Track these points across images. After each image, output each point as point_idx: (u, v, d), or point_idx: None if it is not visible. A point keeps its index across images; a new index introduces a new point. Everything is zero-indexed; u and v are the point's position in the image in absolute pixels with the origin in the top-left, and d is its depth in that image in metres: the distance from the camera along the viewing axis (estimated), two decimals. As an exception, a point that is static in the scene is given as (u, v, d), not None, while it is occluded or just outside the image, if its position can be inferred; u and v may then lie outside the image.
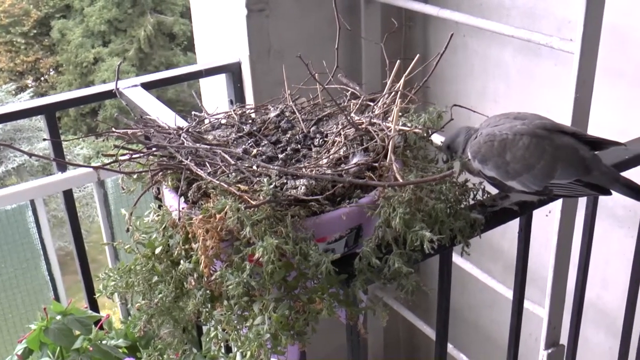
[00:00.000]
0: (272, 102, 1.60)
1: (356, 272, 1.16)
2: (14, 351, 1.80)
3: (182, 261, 1.25)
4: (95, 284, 2.17)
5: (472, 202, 1.32)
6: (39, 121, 10.92)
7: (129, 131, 1.40)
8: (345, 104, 1.55)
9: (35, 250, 2.20)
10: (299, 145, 1.42)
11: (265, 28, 2.23)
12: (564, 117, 1.67)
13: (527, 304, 1.99)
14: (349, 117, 1.40)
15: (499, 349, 2.35)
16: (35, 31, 16.27)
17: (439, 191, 1.23)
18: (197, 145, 1.35)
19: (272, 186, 1.19)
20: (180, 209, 1.24)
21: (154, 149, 1.38)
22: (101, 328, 1.87)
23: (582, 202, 1.71)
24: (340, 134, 1.40)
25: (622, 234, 2.13)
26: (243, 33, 2.21)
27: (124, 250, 1.38)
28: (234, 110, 1.59)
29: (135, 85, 2.07)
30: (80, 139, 13.10)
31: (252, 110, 1.60)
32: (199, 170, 1.26)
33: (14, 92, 14.05)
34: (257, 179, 1.24)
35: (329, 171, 1.29)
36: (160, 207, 1.35)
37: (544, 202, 1.39)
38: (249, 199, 1.17)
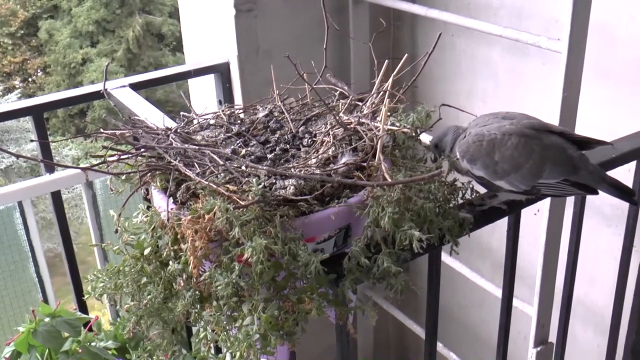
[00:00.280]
0: (261, 102, 1.60)
1: (345, 271, 1.16)
2: (2, 354, 1.79)
3: (171, 262, 1.25)
4: (84, 285, 2.15)
5: (460, 201, 1.32)
6: (27, 122, 10.85)
7: (118, 132, 1.40)
8: (334, 103, 1.55)
9: (23, 252, 2.19)
10: (288, 145, 1.42)
11: (253, 28, 2.23)
12: (551, 116, 1.68)
13: (516, 302, 2.00)
14: (337, 117, 1.40)
15: (489, 347, 2.36)
16: (22, 32, 16.17)
17: (427, 190, 1.24)
18: (186, 145, 1.35)
19: (261, 186, 1.19)
20: (169, 210, 1.23)
21: (142, 149, 1.37)
22: (90, 330, 1.86)
23: (570, 200, 1.72)
24: (329, 134, 1.40)
25: (609, 232, 2.14)
26: (231, 33, 2.21)
27: (113, 252, 1.37)
28: (222, 111, 1.58)
29: (124, 86, 2.06)
30: (69, 140, 13.04)
31: (241, 111, 1.60)
32: (187, 170, 1.26)
33: (1, 93, 13.98)
34: (246, 179, 1.23)
35: (317, 171, 1.29)
36: (149, 208, 1.34)
37: (532, 201, 1.40)
38: (237, 200, 1.16)
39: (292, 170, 1.28)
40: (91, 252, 2.26)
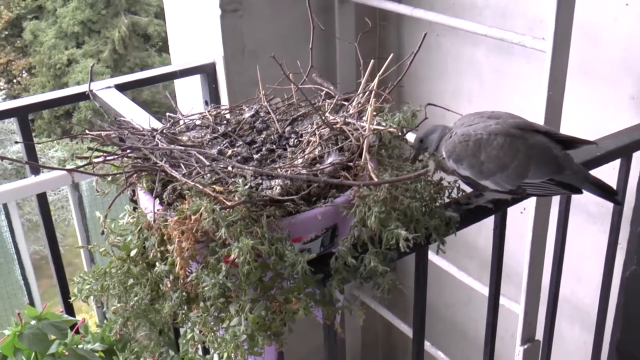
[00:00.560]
0: (247, 102, 1.60)
1: (332, 271, 1.16)
2: (-13, 357, 1.78)
3: (157, 263, 1.24)
4: (70, 287, 2.15)
5: (447, 200, 1.33)
6: (12, 124, 10.78)
7: (103, 133, 1.39)
8: (320, 103, 1.55)
9: (8, 255, 2.18)
10: (274, 146, 1.42)
11: (239, 28, 2.22)
12: (537, 115, 1.69)
13: (502, 300, 2.01)
14: (323, 117, 1.41)
15: (476, 345, 2.37)
16: (6, 32, 16.06)
17: (414, 190, 1.24)
18: (172, 146, 1.34)
19: (247, 187, 1.19)
20: (156, 211, 1.23)
21: (128, 150, 1.37)
22: (77, 332, 1.85)
23: (556, 199, 1.73)
24: (315, 134, 1.40)
25: (595, 229, 2.16)
26: (217, 33, 2.21)
27: (99, 254, 1.37)
28: (208, 111, 1.58)
29: (109, 87, 2.05)
30: (55, 142, 12.96)
31: (227, 111, 1.59)
32: (173, 171, 1.26)
33: (-15, 94, 13.87)
34: (232, 179, 1.23)
35: (304, 171, 1.29)
36: (135, 209, 1.34)
37: (519, 199, 1.41)
38: (224, 200, 1.16)
39: (279, 170, 1.28)
40: (78, 254, 2.24)
